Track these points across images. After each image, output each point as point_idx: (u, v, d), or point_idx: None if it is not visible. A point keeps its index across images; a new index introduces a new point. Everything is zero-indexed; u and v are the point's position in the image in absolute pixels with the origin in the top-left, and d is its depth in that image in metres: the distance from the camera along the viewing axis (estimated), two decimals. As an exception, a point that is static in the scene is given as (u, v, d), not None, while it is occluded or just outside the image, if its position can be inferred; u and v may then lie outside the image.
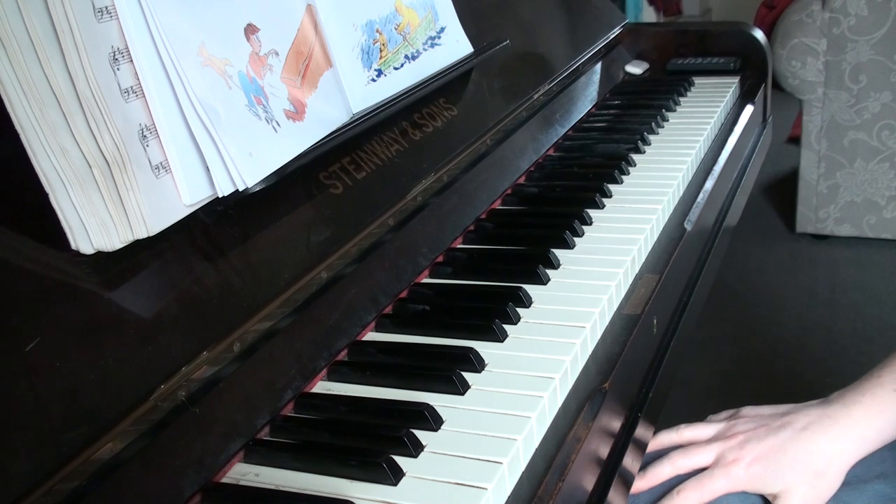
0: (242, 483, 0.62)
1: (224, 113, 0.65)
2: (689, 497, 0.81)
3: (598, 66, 1.43)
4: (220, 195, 0.65)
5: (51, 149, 0.55)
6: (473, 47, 1.03)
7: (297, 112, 0.74)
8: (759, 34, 1.50)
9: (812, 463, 0.78)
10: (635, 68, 1.54)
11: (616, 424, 0.74)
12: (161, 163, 0.61)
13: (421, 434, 0.63)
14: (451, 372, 0.69)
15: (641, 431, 0.77)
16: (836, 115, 2.56)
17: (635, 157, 1.16)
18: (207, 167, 0.64)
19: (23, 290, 0.54)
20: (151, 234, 0.60)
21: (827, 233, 2.68)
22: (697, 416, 0.98)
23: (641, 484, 0.85)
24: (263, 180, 0.67)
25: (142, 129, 0.60)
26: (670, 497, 0.82)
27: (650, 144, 1.22)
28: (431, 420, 0.64)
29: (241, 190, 0.66)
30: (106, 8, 0.57)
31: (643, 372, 0.83)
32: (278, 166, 0.69)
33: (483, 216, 1.00)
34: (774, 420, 0.83)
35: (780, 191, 3.01)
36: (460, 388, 0.68)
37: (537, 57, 1.25)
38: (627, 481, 0.75)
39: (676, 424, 0.91)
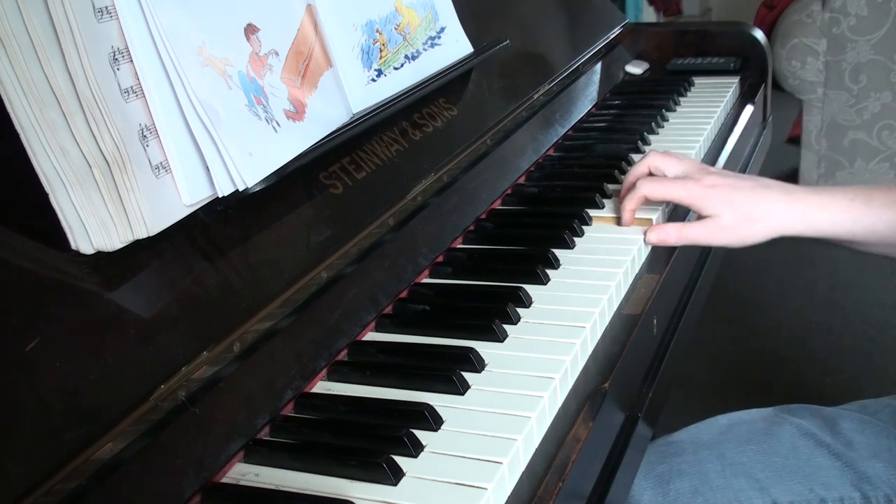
0: (242, 483, 0.62)
1: (224, 113, 0.65)
2: (646, 185, 0.92)
3: (598, 66, 1.43)
4: (220, 195, 0.65)
5: (51, 149, 0.55)
6: (473, 47, 1.03)
7: (297, 112, 0.74)
8: (759, 34, 1.50)
9: (752, 210, 0.87)
10: (635, 68, 1.54)
11: (616, 424, 0.74)
12: (161, 163, 0.61)
13: (421, 434, 0.63)
14: (451, 372, 0.69)
15: (641, 431, 0.77)
16: (836, 115, 2.56)
17: (635, 157, 1.16)
18: (207, 167, 0.64)
19: (23, 290, 0.54)
20: (151, 234, 0.60)
21: (827, 233, 2.68)
22: (697, 416, 0.98)
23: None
24: (263, 180, 0.67)
25: (142, 129, 0.60)
26: (631, 190, 0.93)
27: (650, 144, 1.22)
28: (431, 420, 0.64)
29: (241, 190, 0.66)
30: (106, 8, 0.57)
31: (643, 372, 0.83)
32: (278, 166, 0.69)
33: (483, 216, 1.00)
34: (746, 178, 0.92)
35: (781, 191, 3.00)
36: (460, 388, 0.68)
37: (537, 57, 1.25)
38: (627, 481, 0.75)
39: (676, 424, 0.91)
